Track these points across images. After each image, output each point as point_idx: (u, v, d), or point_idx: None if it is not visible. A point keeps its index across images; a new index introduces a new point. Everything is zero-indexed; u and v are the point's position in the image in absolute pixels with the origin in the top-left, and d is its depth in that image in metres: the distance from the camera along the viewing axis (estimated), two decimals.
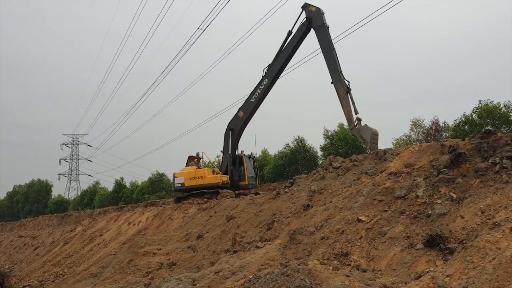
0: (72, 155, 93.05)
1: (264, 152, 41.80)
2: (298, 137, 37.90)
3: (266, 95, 22.43)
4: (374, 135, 17.67)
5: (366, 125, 17.82)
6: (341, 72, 18.97)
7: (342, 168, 13.74)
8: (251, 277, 7.11)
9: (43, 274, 25.01)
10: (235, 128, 23.19)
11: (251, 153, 25.17)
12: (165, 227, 21.27)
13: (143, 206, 30.07)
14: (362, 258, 7.79)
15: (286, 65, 21.78)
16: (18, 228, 53.45)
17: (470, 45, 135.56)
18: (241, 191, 23.26)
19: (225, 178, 23.95)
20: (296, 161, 36.97)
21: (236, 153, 23.99)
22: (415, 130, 33.02)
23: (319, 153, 36.87)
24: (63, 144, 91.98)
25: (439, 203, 8.28)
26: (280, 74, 21.99)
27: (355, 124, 18.15)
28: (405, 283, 6.10)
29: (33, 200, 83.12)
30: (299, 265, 6.69)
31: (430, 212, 8.20)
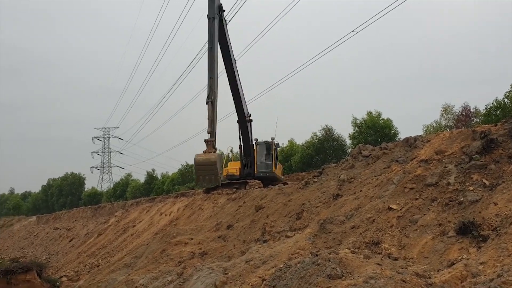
0: (104, 148, 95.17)
1: (291, 142, 41.73)
2: (326, 126, 37.66)
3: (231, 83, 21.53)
4: (201, 165, 15.40)
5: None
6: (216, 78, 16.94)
7: (372, 157, 13.62)
8: (281, 266, 7.18)
9: (78, 265, 25.81)
10: (240, 120, 23.15)
11: (272, 138, 24.68)
12: (195, 217, 21.58)
13: (174, 197, 30.53)
14: (393, 246, 7.76)
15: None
16: (53, 220, 55.05)
17: (500, 29, 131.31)
18: (255, 180, 23.06)
19: (233, 170, 24.46)
20: (324, 150, 36.77)
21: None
22: (445, 116, 32.36)
23: (348, 141, 36.58)
24: (95, 137, 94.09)
25: (471, 190, 8.14)
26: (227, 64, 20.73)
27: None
28: (438, 271, 6.06)
29: (67, 193, 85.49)
30: (329, 254, 6.71)
31: (462, 199, 8.07)
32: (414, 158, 11.28)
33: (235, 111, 22.53)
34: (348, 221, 9.69)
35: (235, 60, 20.90)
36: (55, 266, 28.62)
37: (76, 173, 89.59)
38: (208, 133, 15.65)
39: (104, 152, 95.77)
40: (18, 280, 16.49)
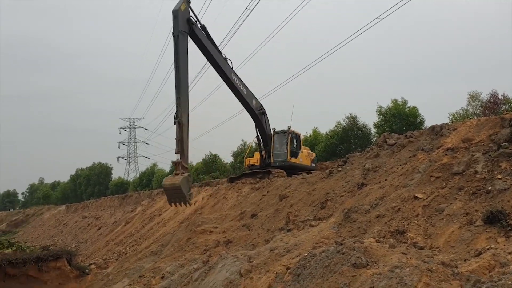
0: (130, 138, 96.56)
1: (315, 131, 41.50)
2: (350, 114, 37.27)
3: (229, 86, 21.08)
4: (167, 190, 15.01)
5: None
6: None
7: (397, 145, 13.47)
8: (306, 254, 7.20)
9: (106, 252, 26.40)
10: (250, 115, 23.05)
11: (288, 127, 24.43)
12: (220, 206, 21.78)
13: (198, 186, 30.80)
14: (419, 235, 7.69)
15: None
16: (82, 209, 56.32)
17: None
18: (279, 170, 22.98)
19: (254, 160, 24.81)
20: (348, 139, 36.45)
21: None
22: (472, 103, 31.56)
23: (373, 130, 36.12)
24: (121, 128, 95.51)
25: (500, 179, 7.98)
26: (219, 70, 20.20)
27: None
28: (464, 260, 5.99)
29: (94, 182, 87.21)
30: (354, 243, 6.70)
31: (490, 188, 7.93)
32: (440, 147, 11.11)
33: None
34: (373, 210, 9.64)
35: (229, 67, 20.11)
36: (84, 254, 29.35)
37: (103, 163, 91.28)
38: (176, 153, 15.39)
39: (130, 143, 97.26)
40: (49, 267, 16.96)
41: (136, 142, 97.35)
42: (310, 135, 40.69)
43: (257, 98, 22.69)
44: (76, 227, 46.83)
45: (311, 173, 20.51)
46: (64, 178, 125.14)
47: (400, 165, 11.69)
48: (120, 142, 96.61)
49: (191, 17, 17.29)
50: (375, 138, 30.48)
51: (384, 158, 13.25)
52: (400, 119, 32.65)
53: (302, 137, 26.58)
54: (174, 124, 15.56)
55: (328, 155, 35.78)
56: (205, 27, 18.53)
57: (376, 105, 34.94)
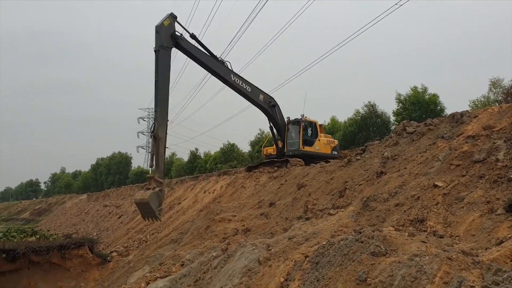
0: (149, 128, 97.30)
1: (333, 120, 41.31)
2: (369, 102, 36.97)
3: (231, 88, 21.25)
4: (138, 204, 14.74)
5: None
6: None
7: (417, 133, 13.33)
8: (324, 243, 7.22)
9: (127, 240, 26.86)
10: (259, 109, 23.04)
11: (302, 115, 24.32)
12: (238, 195, 21.91)
13: (216, 175, 31.02)
14: (439, 224, 7.62)
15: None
16: (102, 198, 57.22)
17: None
18: (296, 158, 22.94)
19: (270, 149, 24.96)
20: (367, 127, 36.22)
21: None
22: (494, 90, 30.99)
23: (392, 118, 35.82)
24: (140, 118, 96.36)
25: None
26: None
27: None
28: (485, 249, 5.93)
29: (115, 171, 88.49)
30: (373, 231, 6.69)
31: None
32: (460, 134, 10.95)
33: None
34: (392, 199, 9.58)
35: (227, 70, 20.06)
36: (105, 242, 29.89)
37: (123, 153, 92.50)
38: (150, 167, 15.37)
39: (149, 132, 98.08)
40: (72, 254, 17.31)
41: None
42: (329, 124, 40.53)
43: (266, 91, 22.62)
44: (98, 216, 47.64)
45: (329, 161, 20.43)
46: (85, 167, 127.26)
47: (420, 153, 11.57)
48: (139, 132, 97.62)
49: (176, 32, 17.30)
50: (394, 126, 30.22)
51: (403, 146, 13.14)
52: (420, 107, 32.29)
53: (319, 125, 26.23)
54: (150, 137, 15.75)
55: (347, 144, 35.64)
56: (195, 36, 18.62)
57: (395, 93, 34.59)
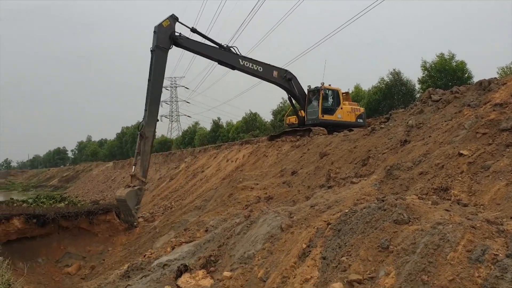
0: (172, 97, 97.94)
1: (357, 88, 40.71)
2: (394, 70, 36.21)
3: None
4: (117, 201, 14.50)
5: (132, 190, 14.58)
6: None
7: (442, 101, 13.06)
8: (347, 211, 7.25)
9: (153, 207, 27.47)
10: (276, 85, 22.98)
11: (321, 83, 23.95)
12: (260, 163, 22.05)
13: (239, 144, 31.22)
14: (463, 192, 7.56)
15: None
16: (128, 165, 58.25)
17: None
18: (319, 127, 22.79)
19: (292, 119, 24.91)
20: (391, 95, 35.61)
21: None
22: None
23: (417, 86, 35.09)
24: (163, 87, 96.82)
25: None
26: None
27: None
28: (510, 218, 5.88)
29: None
30: (396, 199, 6.68)
31: None
32: (487, 102, 10.69)
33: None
34: (416, 167, 9.51)
35: (234, 57, 19.91)
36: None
37: None
38: (133, 164, 15.24)
39: (172, 101, 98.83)
40: (99, 220, 17.83)
41: (177, 101, 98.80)
42: (352, 92, 40.01)
43: (280, 66, 22.37)
44: (124, 183, 48.58)
45: (353, 130, 20.23)
46: (111, 136, 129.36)
47: (445, 121, 11.37)
48: (162, 101, 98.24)
49: (175, 33, 17.20)
50: (419, 94, 29.66)
51: (428, 114, 12.91)
52: (446, 74, 31.51)
53: (344, 93, 25.82)
54: (136, 135, 15.70)
55: (371, 112, 35.20)
56: (196, 30, 18.54)
57: (421, 60, 33.76)
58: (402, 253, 5.40)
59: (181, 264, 9.98)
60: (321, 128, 22.34)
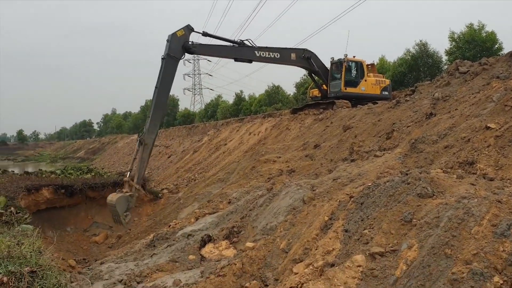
0: (194, 70, 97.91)
1: (382, 60, 39.89)
2: (420, 41, 35.26)
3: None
4: (108, 205, 14.09)
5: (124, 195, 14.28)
6: None
7: (470, 73, 12.73)
8: (370, 184, 7.23)
9: (177, 179, 27.91)
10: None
11: (345, 55, 23.46)
12: (283, 137, 22.04)
13: (261, 117, 31.18)
14: (489, 166, 7.43)
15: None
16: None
17: None
18: (343, 100, 22.49)
19: (316, 92, 24.75)
20: (417, 67, 34.80)
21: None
22: None
23: (444, 58, 34.17)
24: (186, 60, 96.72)
25: None
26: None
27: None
28: None
29: None
30: (420, 173, 6.62)
31: None
32: None
33: None
34: (441, 141, 9.36)
35: (248, 51, 19.71)
36: (156, 180, 31.16)
37: (170, 95, 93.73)
38: (129, 170, 15.02)
39: (194, 74, 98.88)
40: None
41: (200, 74, 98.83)
42: (377, 64, 39.27)
43: (296, 47, 22.12)
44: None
45: (377, 103, 19.93)
46: (135, 109, 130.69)
47: (472, 94, 11.10)
48: (185, 74, 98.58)
49: (188, 42, 17.12)
50: (446, 66, 28.93)
51: (455, 86, 12.62)
52: (475, 46, 30.55)
53: (369, 65, 25.29)
54: (137, 141, 15.55)
55: (396, 85, 34.54)
56: (207, 33, 18.36)
57: (448, 31, 32.78)
58: (425, 226, 5.38)
59: (205, 235, 10.19)
60: (345, 101, 22.05)
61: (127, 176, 14.20)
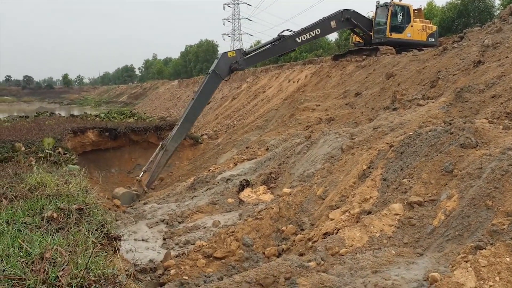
0: (234, 15, 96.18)
1: (430, 4, 37.87)
2: None
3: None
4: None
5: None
6: None
7: None
8: (411, 133, 7.10)
9: (216, 125, 28.26)
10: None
11: None
12: (323, 84, 21.71)
13: (301, 64, 30.61)
14: None
15: None
16: (192, 84, 59.39)
17: None
18: (387, 46, 21.61)
19: (358, 37, 23.67)
20: (467, 13, 32.88)
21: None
22: None
23: (497, 2, 32.06)
24: (225, 4, 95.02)
25: None
26: None
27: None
28: None
29: (202, 59, 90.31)
30: (464, 123, 6.43)
31: None
32: None
33: None
34: (488, 90, 8.99)
35: (290, 43, 19.11)
36: (196, 126, 31.63)
37: (210, 40, 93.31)
38: (143, 171, 14.57)
39: (234, 19, 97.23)
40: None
41: (240, 19, 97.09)
42: (425, 9, 37.34)
43: (335, 13, 21.15)
44: (188, 101, 49.83)
45: (423, 50, 19.11)
46: (175, 54, 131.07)
47: None
48: (224, 19, 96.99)
49: (234, 63, 17.01)
50: (499, 11, 27.20)
51: (507, 33, 11.92)
52: None
53: (416, 9, 24.05)
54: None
55: (444, 31, 32.90)
56: (245, 52, 18.17)
57: None
58: (466, 177, 5.30)
59: (243, 179, 10.43)
60: (389, 47, 21.26)
61: (140, 176, 14.53)
